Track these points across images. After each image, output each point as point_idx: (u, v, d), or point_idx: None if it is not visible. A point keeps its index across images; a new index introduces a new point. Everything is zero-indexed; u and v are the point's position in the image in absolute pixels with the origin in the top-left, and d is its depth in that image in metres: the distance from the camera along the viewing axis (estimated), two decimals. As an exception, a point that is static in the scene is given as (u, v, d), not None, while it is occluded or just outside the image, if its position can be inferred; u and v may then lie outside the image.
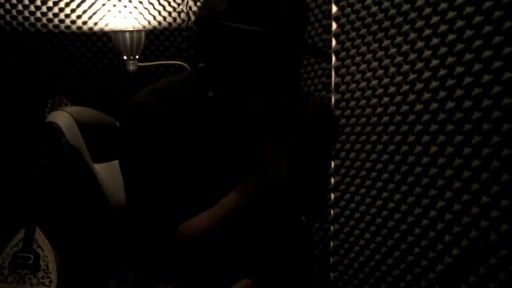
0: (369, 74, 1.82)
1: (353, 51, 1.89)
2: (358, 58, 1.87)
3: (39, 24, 2.48)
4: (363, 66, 1.85)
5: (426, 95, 1.59)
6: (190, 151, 1.11)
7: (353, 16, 1.88)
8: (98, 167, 1.44)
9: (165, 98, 1.09)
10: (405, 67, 1.66)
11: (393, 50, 1.71)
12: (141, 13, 2.57)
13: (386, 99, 1.75)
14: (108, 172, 1.47)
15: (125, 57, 2.40)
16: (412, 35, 1.63)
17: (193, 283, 1.15)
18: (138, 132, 1.07)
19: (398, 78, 1.70)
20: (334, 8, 1.97)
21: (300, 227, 1.22)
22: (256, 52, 0.97)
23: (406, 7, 1.64)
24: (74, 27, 2.52)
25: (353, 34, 1.88)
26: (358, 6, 1.85)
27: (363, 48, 1.84)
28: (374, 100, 1.81)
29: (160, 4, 2.59)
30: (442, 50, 1.53)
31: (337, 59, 1.96)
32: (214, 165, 1.13)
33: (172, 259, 1.15)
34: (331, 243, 2.05)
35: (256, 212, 1.11)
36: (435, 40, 1.55)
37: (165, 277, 1.16)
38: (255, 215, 1.12)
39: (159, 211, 1.08)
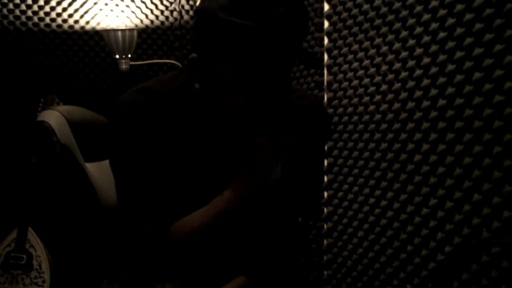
0: (361, 72, 1.83)
1: (345, 49, 1.89)
2: (350, 56, 1.87)
3: (30, 23, 2.47)
4: (355, 64, 1.85)
5: (418, 93, 1.60)
6: (179, 148, 1.10)
7: (345, 14, 1.88)
8: (90, 166, 1.44)
9: (152, 96, 1.10)
10: (397, 65, 1.67)
11: (384, 48, 1.71)
12: (133, 12, 2.56)
13: (378, 97, 1.76)
14: (99, 171, 1.46)
15: (117, 56, 2.39)
16: (404, 33, 1.63)
17: (190, 281, 1.15)
18: (126, 130, 1.07)
19: (390, 76, 1.70)
20: (326, 6, 1.97)
21: (296, 227, 1.22)
22: (248, 48, 0.98)
23: (397, 5, 1.64)
24: (65, 26, 2.51)
25: (345, 32, 1.88)
26: (350, 4, 1.85)
27: (355, 46, 1.84)
28: (366, 98, 1.81)
29: (152, 2, 2.59)
30: (434, 48, 1.53)
31: (329, 57, 1.96)
32: (204, 162, 1.13)
33: (167, 257, 1.14)
34: (325, 241, 2.05)
35: (250, 212, 1.11)
36: (426, 38, 1.55)
37: (163, 275, 1.16)
38: (249, 214, 1.11)
39: (151, 210, 1.08)
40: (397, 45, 1.66)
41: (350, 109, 1.88)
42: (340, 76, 1.92)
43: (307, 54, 1.11)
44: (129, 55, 2.40)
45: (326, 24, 1.97)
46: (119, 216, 1.27)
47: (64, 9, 2.49)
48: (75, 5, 2.49)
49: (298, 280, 1.30)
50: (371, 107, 1.79)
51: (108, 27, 2.45)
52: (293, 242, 1.23)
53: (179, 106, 1.11)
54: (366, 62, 1.80)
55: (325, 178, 2.03)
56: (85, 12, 2.52)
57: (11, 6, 2.44)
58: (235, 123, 1.08)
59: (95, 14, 2.53)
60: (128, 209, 1.11)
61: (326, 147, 2.00)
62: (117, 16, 2.53)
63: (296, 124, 1.12)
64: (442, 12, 1.49)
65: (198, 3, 2.62)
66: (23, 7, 2.45)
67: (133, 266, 1.22)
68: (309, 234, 2.14)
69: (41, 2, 2.46)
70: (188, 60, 1.07)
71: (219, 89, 1.03)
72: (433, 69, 1.54)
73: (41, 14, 2.47)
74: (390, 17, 1.68)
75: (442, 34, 1.50)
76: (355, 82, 1.85)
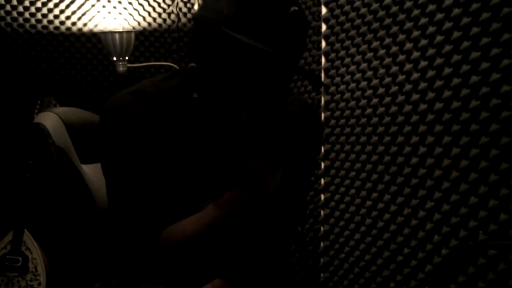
0: (358, 75, 1.83)
1: (342, 53, 1.90)
2: (347, 60, 1.88)
3: (27, 25, 2.47)
4: (353, 67, 1.85)
5: (415, 96, 1.60)
6: (171, 152, 1.09)
7: (342, 18, 1.88)
8: (86, 168, 1.43)
9: (144, 98, 1.07)
10: (394, 69, 1.67)
11: (382, 52, 1.72)
12: (131, 14, 2.56)
13: (375, 100, 1.76)
14: (96, 173, 1.45)
15: (114, 58, 2.39)
16: (401, 37, 1.63)
17: (176, 285, 1.14)
18: (117, 133, 1.04)
19: (387, 79, 1.70)
20: (324, 10, 1.97)
21: (295, 236, 1.21)
22: (252, 66, 0.96)
23: (394, 8, 1.65)
24: (63, 28, 2.51)
25: (342, 35, 1.89)
26: (347, 7, 1.86)
27: (353, 50, 1.85)
28: (363, 101, 1.81)
29: (150, 5, 2.59)
30: (431, 51, 1.53)
31: (327, 60, 1.97)
32: (195, 167, 1.12)
33: (155, 262, 1.13)
34: (321, 244, 2.05)
35: (245, 220, 1.10)
36: (423, 42, 1.56)
37: (148, 279, 1.15)
38: (244, 222, 1.10)
39: (141, 215, 1.06)
40: (394, 49, 1.66)
41: (347, 112, 1.89)
42: (338, 79, 1.93)
43: (306, 71, 1.10)
44: (127, 58, 2.40)
45: (324, 27, 1.98)
46: (110, 219, 1.27)
47: (62, 11, 2.49)
48: (73, 7, 2.49)
49: (294, 282, 1.30)
50: (368, 110, 1.79)
51: (106, 29, 2.45)
52: (285, 248, 1.22)
53: (172, 110, 1.09)
54: (364, 65, 1.80)
55: (322, 181, 2.04)
56: (83, 14, 2.51)
57: (8, 7, 2.43)
58: (235, 134, 1.06)
59: (93, 16, 2.53)
60: (118, 213, 1.09)
61: (323, 150, 2.00)
62: (115, 18, 2.53)
63: (292, 132, 1.11)
64: (439, 16, 1.50)
65: (196, 8, 2.62)
66: (20, 9, 2.45)
67: (123, 270, 1.21)
68: (304, 235, 2.13)
69: (39, 4, 2.46)
70: (187, 69, 1.04)
71: (220, 101, 1.01)
72: (430, 73, 1.54)
73: (39, 16, 2.47)
74: (388, 20, 1.68)
75: (439, 38, 1.50)
76: (352, 85, 1.86)
